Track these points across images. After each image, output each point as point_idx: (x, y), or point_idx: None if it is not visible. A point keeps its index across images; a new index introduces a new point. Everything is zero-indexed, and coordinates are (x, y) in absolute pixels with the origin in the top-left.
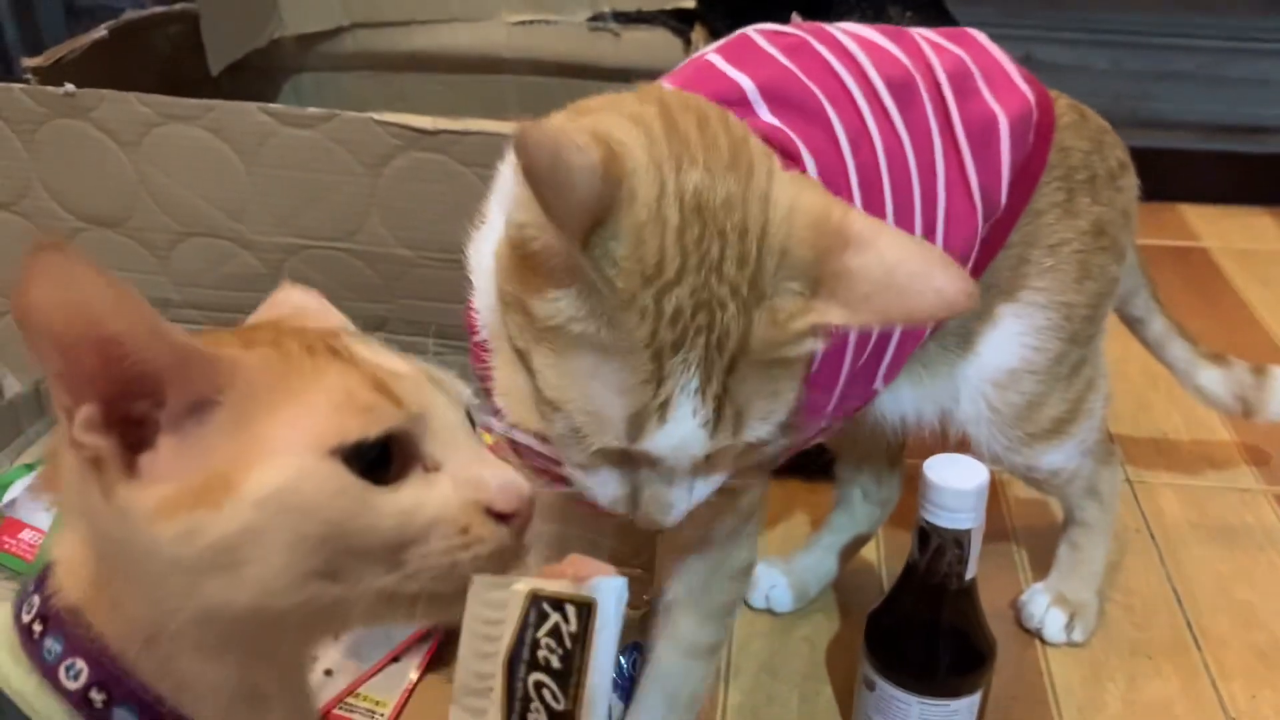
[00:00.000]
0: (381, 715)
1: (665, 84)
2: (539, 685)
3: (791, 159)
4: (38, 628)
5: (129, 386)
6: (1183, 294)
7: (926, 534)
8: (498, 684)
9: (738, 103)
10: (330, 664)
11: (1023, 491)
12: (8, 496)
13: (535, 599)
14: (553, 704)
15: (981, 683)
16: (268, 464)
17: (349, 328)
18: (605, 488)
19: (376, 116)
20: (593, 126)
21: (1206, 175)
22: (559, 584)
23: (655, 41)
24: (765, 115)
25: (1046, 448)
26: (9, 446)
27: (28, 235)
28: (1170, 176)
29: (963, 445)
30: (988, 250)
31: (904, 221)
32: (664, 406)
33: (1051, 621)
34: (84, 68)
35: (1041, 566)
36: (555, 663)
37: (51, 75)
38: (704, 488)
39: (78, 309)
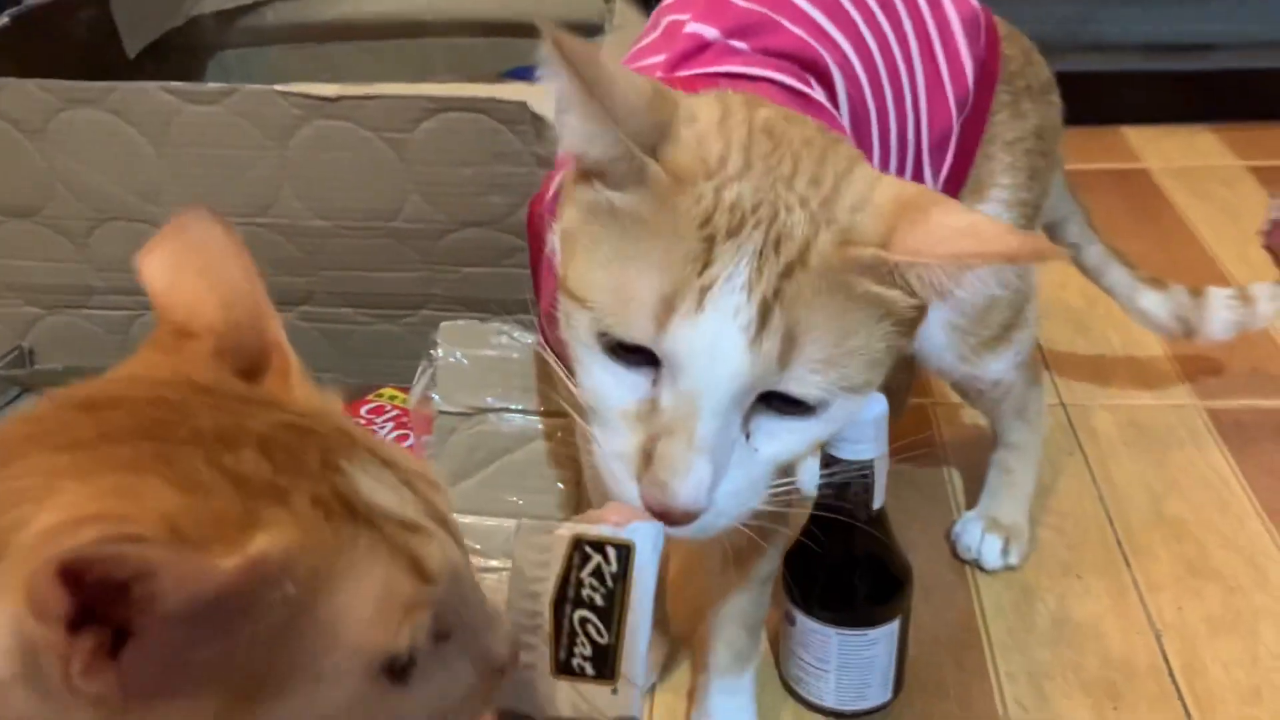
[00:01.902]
0: None
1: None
2: (584, 621)
3: (819, 73)
4: None
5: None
6: (1124, 216)
7: (832, 466)
8: (545, 621)
9: (761, 23)
10: None
11: (954, 425)
12: None
13: (578, 543)
14: (596, 638)
15: (898, 610)
16: (308, 691)
17: (252, 271)
18: (615, 435)
19: (279, 88)
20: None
21: (1149, 96)
22: (599, 528)
23: None
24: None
25: (992, 356)
26: None
27: None
28: (1112, 99)
29: None
30: (966, 153)
31: (899, 121)
32: (703, 292)
33: (988, 548)
34: None
35: (975, 499)
36: (599, 600)
37: None
38: (733, 483)
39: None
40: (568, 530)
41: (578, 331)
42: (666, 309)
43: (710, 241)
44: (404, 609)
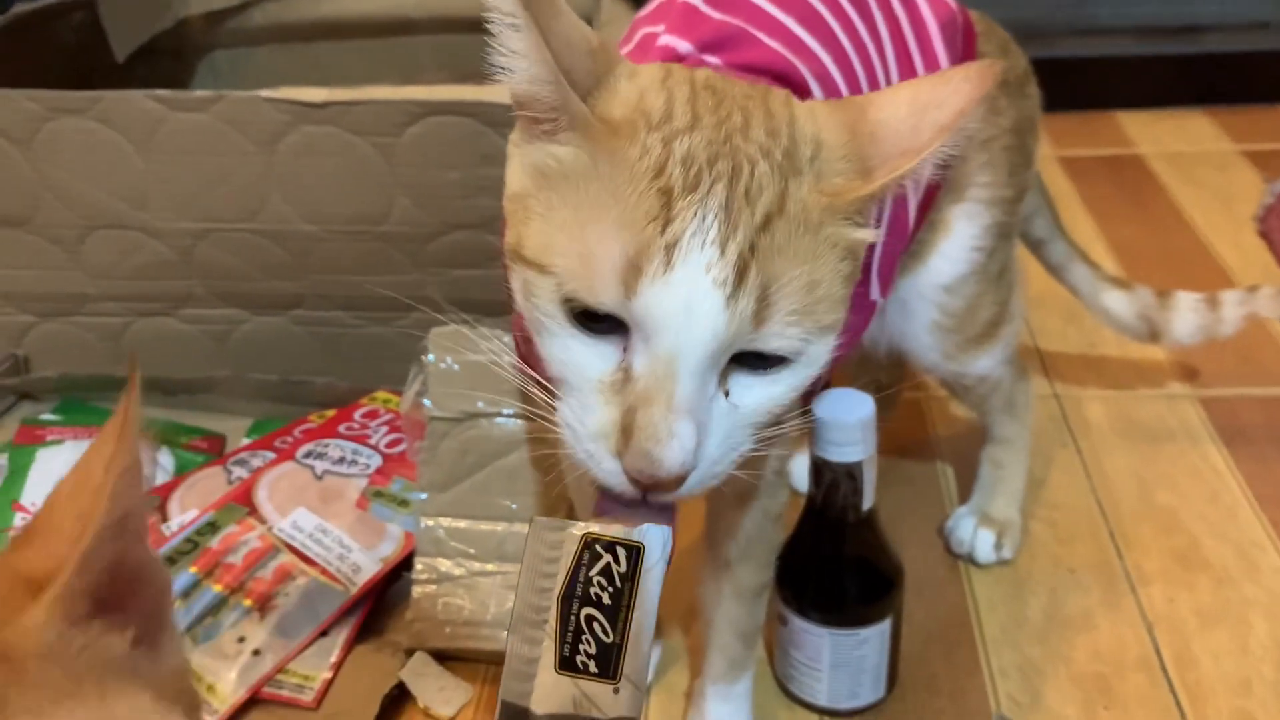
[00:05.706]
0: (311, 689)
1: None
2: (590, 619)
3: (795, 86)
4: None
5: None
6: (1117, 202)
7: (820, 469)
8: (552, 616)
9: (735, 37)
10: (258, 644)
11: (948, 422)
12: None
13: (589, 541)
14: (602, 636)
15: (889, 610)
16: None
17: None
18: (589, 413)
19: (265, 94)
20: None
21: (1142, 79)
22: (611, 528)
23: None
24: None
25: (978, 353)
26: None
27: None
28: (1107, 83)
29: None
30: None
31: None
32: (670, 250)
33: (981, 543)
34: None
35: (967, 494)
36: (606, 599)
37: None
38: (716, 442)
39: None
40: (580, 529)
41: (539, 301)
42: (633, 271)
43: (667, 196)
44: None
